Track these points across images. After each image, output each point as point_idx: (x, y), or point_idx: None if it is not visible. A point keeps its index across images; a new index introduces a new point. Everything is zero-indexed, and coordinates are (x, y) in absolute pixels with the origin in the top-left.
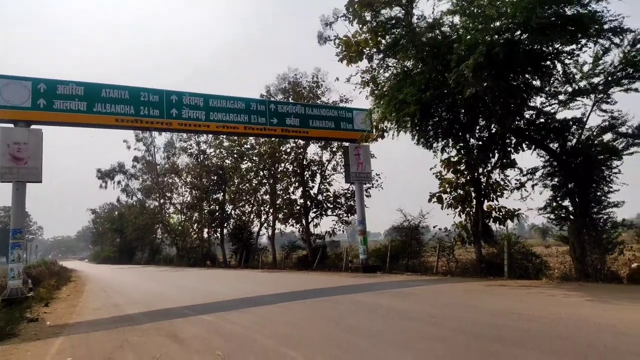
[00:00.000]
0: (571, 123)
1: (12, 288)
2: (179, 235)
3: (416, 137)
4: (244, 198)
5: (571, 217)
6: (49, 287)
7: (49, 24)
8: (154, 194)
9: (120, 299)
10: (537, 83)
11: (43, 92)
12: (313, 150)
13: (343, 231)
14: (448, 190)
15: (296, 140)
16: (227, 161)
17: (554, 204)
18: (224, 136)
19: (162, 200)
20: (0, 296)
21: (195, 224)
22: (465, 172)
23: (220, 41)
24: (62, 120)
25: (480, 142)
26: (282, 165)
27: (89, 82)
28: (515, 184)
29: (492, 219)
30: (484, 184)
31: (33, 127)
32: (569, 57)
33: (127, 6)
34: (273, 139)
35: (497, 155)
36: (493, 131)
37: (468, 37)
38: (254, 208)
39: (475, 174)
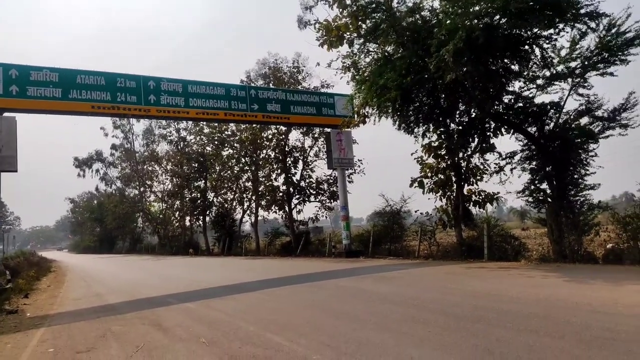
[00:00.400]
0: (549, 107)
1: None
2: (161, 223)
3: (397, 122)
4: (226, 185)
5: (549, 199)
6: (28, 278)
7: (20, 7)
8: (134, 182)
9: (102, 289)
10: (515, 68)
11: (15, 78)
12: (295, 136)
13: (326, 217)
14: (429, 175)
15: (277, 126)
16: (207, 148)
17: (532, 187)
18: (204, 123)
19: (142, 189)
20: None
21: (177, 212)
22: (446, 157)
23: (197, 25)
24: (36, 107)
25: (460, 127)
26: (264, 151)
27: (63, 68)
28: (495, 167)
29: (472, 203)
30: (464, 169)
31: (6, 114)
32: (547, 41)
33: None
34: (254, 125)
35: (476, 139)
36: (473, 116)
37: (448, 21)
38: (236, 195)
39: (456, 159)
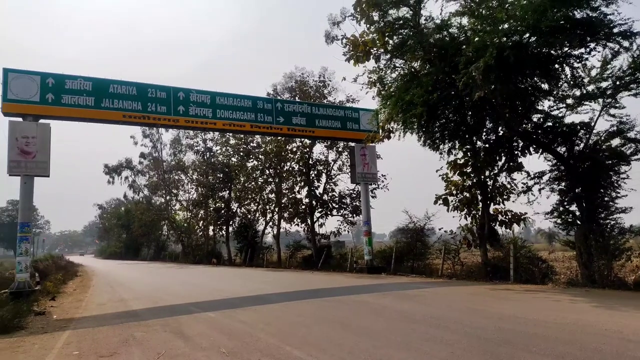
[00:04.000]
0: (579, 127)
1: (19, 281)
2: (185, 232)
3: (422, 138)
4: (250, 196)
5: (578, 222)
6: (56, 281)
7: (52, 14)
8: (160, 190)
9: (126, 294)
10: (545, 86)
11: (51, 86)
12: (319, 149)
13: (348, 231)
14: (454, 192)
15: (302, 139)
16: (233, 159)
17: (561, 208)
18: (231, 134)
19: (168, 197)
20: (8, 289)
21: (201, 222)
22: (472, 175)
23: (225, 36)
24: (70, 115)
25: (487, 145)
26: (288, 164)
27: (97, 77)
28: (522, 187)
29: (498, 223)
30: (490, 187)
31: (41, 121)
32: (578, 60)
33: None
34: (279, 137)
35: (504, 158)
36: (500, 134)
37: (476, 39)
38: (260, 206)
39: (482, 177)
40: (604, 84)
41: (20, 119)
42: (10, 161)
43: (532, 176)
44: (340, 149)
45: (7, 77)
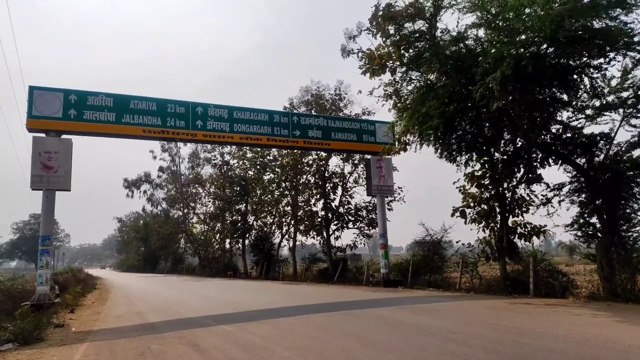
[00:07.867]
0: (599, 138)
1: (40, 294)
2: (202, 245)
3: (439, 150)
4: (266, 209)
5: (599, 234)
6: (75, 293)
7: (72, 30)
8: (178, 203)
9: (143, 307)
10: (563, 97)
11: (74, 102)
12: (335, 162)
13: (364, 244)
14: (472, 204)
15: (318, 152)
16: (249, 172)
17: (581, 220)
18: (248, 147)
19: (185, 210)
20: (29, 301)
21: (218, 234)
22: (490, 187)
23: (241, 51)
24: (91, 130)
25: (505, 157)
26: (304, 177)
27: (118, 93)
28: (542, 199)
29: (517, 235)
30: (508, 199)
31: (63, 136)
32: (597, 70)
33: (147, 13)
34: (295, 150)
35: (522, 169)
36: (518, 145)
37: (493, 50)
38: (276, 219)
39: (500, 189)
40: (624, 94)
41: (43, 135)
42: (33, 175)
43: (552, 188)
44: (356, 162)
45: (33, 94)
